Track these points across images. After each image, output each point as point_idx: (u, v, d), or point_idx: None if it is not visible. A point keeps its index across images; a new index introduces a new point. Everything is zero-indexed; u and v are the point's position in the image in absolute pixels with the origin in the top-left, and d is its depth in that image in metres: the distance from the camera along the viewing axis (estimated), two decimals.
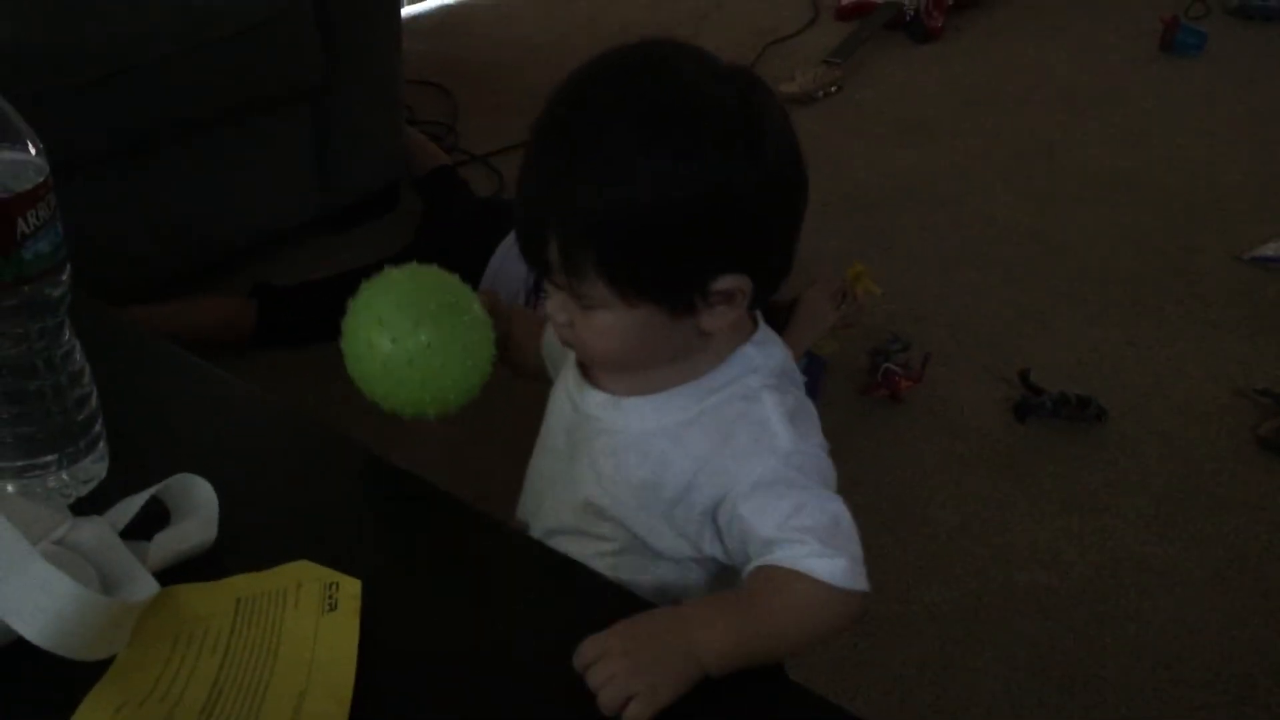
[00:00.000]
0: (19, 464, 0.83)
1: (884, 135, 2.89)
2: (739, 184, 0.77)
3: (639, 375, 0.86)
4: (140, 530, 0.81)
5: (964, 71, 3.30)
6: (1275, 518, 1.80)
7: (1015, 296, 2.32)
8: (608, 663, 0.72)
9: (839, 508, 0.80)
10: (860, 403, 2.00)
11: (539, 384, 0.99)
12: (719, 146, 0.76)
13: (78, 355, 0.85)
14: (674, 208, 0.76)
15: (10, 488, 0.84)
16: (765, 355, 0.86)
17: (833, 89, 3.07)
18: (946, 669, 1.56)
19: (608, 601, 0.80)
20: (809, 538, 0.78)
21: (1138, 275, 2.39)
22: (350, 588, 0.78)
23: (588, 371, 0.89)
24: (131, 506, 0.82)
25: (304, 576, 0.79)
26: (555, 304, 0.83)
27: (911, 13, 3.47)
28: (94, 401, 0.86)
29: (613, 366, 0.87)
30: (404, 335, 0.87)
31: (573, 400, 0.90)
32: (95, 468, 0.87)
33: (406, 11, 3.60)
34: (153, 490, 0.82)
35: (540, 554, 0.88)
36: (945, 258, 2.44)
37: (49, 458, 0.84)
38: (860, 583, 0.78)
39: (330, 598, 0.77)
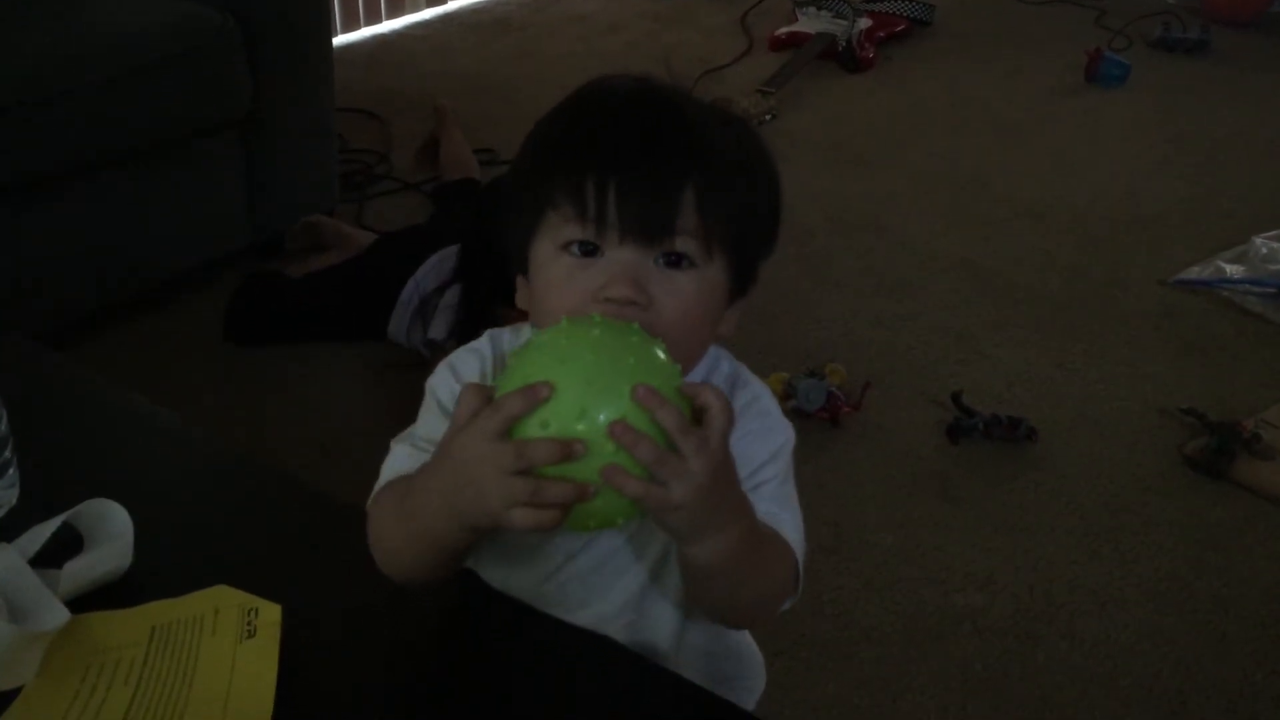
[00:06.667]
0: None
1: (817, 163, 2.92)
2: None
3: None
4: (52, 558, 0.79)
5: (895, 101, 3.35)
6: (1202, 536, 1.83)
7: (947, 321, 2.34)
8: (694, 463, 0.67)
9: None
10: (798, 426, 2.01)
11: None
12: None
13: None
14: (773, 180, 0.84)
15: None
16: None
17: (767, 117, 3.10)
18: (882, 691, 1.56)
19: (535, 630, 0.79)
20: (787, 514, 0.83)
21: (1066, 299, 2.43)
22: (270, 614, 0.76)
23: None
24: (42, 533, 0.80)
25: (222, 602, 0.77)
26: (626, 281, 0.75)
27: (843, 43, 3.53)
28: (3, 427, 0.84)
29: (669, 348, 0.79)
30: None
31: None
32: (5, 494, 0.84)
33: (339, 41, 3.59)
34: (65, 516, 0.80)
35: (466, 581, 0.86)
36: (879, 283, 2.47)
37: None
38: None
39: (249, 624, 0.75)
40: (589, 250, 0.77)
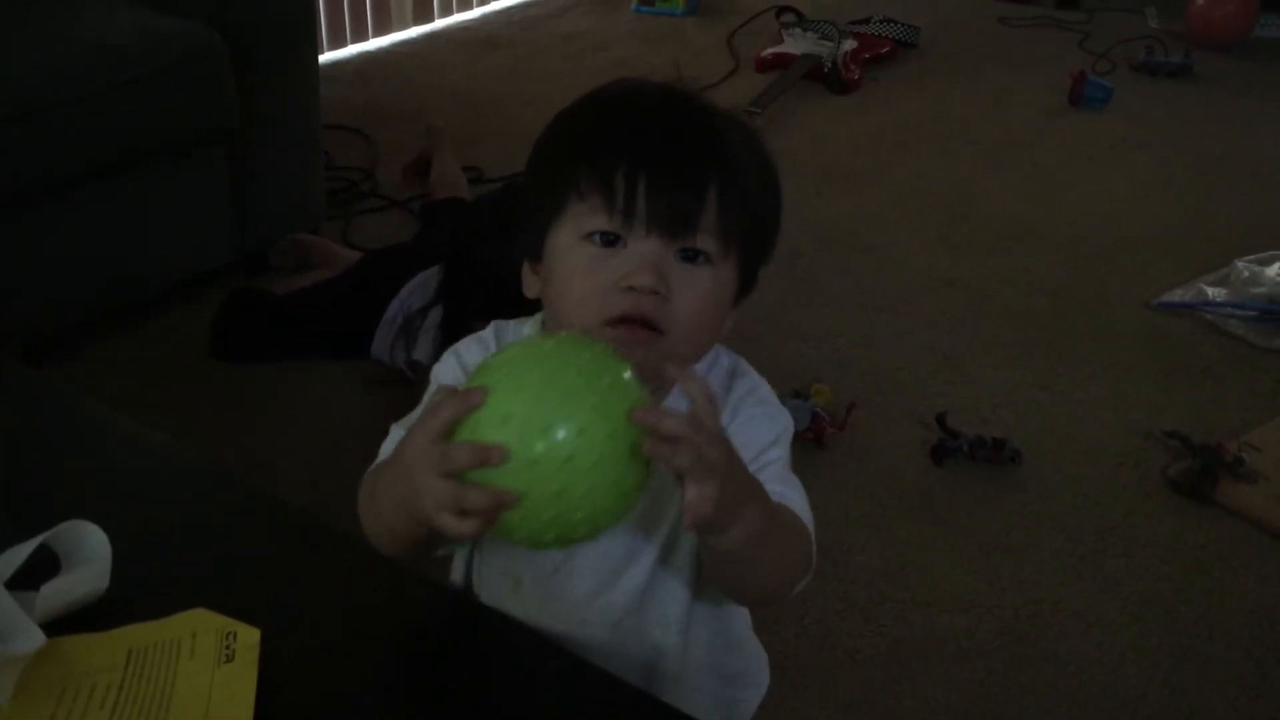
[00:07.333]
0: None
1: (803, 182, 2.93)
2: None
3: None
4: (28, 579, 0.78)
5: (880, 122, 3.36)
6: (1186, 558, 1.83)
7: (933, 341, 2.35)
8: (709, 454, 0.67)
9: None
10: None
11: None
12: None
13: None
14: (778, 187, 0.88)
15: None
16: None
17: None
18: (867, 714, 1.56)
19: (522, 649, 0.79)
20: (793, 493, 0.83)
21: (1051, 321, 2.44)
22: (248, 637, 0.75)
23: None
24: (19, 555, 0.78)
25: (200, 625, 0.76)
26: (650, 270, 0.77)
27: (829, 65, 3.54)
28: None
29: (681, 342, 0.81)
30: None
31: None
32: None
33: (326, 57, 3.59)
34: (42, 537, 0.79)
35: (450, 601, 0.86)
36: (865, 304, 2.47)
37: None
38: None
39: (227, 648, 0.74)
40: (610, 241, 0.79)
